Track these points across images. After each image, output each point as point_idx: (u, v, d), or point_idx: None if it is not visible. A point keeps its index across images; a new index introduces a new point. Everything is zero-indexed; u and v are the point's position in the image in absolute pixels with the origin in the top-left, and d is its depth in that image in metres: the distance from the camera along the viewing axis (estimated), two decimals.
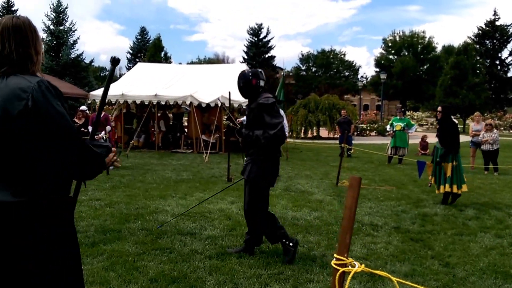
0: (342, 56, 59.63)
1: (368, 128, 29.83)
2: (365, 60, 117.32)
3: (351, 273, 1.61)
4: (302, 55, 58.62)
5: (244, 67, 17.92)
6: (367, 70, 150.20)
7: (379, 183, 9.31)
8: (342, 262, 1.63)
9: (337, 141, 17.22)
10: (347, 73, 59.61)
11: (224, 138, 15.55)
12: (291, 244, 4.28)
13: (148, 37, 54.52)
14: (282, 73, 20.57)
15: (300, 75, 57.09)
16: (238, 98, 14.11)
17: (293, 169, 11.35)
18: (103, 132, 10.27)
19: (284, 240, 4.30)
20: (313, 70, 58.52)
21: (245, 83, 4.34)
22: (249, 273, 3.88)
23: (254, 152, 4.29)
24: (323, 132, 27.63)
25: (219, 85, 15.16)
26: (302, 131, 26.34)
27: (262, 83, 4.36)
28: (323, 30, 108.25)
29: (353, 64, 59.80)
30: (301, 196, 7.62)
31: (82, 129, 10.64)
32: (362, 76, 61.46)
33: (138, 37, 54.98)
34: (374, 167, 12.42)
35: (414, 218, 6.20)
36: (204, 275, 3.79)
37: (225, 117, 16.88)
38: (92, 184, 8.17)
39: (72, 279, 1.93)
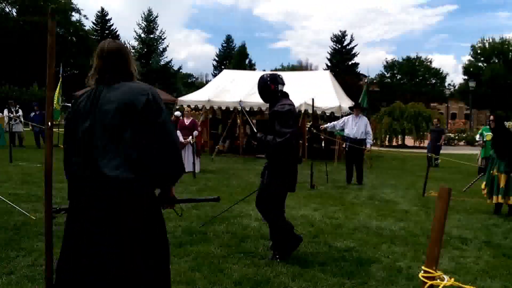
0: (428, 63, 56.93)
1: (456, 137, 28.15)
2: (452, 68, 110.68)
3: (440, 287, 1.56)
4: (387, 62, 56.83)
5: (328, 74, 17.75)
6: (455, 77, 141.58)
7: (468, 195, 8.72)
8: (430, 275, 1.59)
9: (424, 150, 16.47)
10: (433, 81, 56.77)
11: (307, 144, 15.52)
12: (277, 257, 4.31)
13: (234, 45, 56.21)
14: (365, 80, 20.08)
15: (385, 82, 55.41)
16: (321, 104, 14.09)
17: (377, 178, 11.02)
18: (190, 137, 10.74)
19: (277, 256, 4.33)
20: (398, 77, 56.56)
21: (263, 87, 4.37)
22: (331, 281, 3.85)
23: (268, 156, 4.35)
24: (409, 141, 26.50)
25: (302, 92, 15.19)
26: (387, 139, 25.49)
27: (280, 87, 4.35)
28: (409, 37, 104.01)
29: (440, 72, 56.80)
30: (386, 206, 7.38)
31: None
32: (449, 84, 58.08)
33: (223, 45, 56.91)
34: (462, 177, 11.65)
35: (506, 232, 5.78)
36: (287, 280, 3.82)
37: (308, 123, 16.85)
38: (180, 186, 8.59)
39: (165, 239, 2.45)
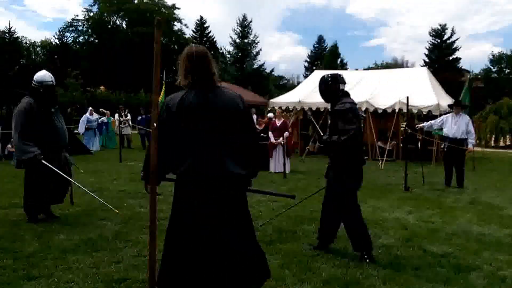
0: None
1: None
2: None
3: None
4: (493, 56, 52.12)
5: (425, 70, 16.83)
6: None
7: None
8: None
9: None
10: None
11: (401, 145, 14.89)
12: (368, 260, 4.20)
13: (325, 45, 55.63)
14: (468, 76, 18.68)
15: (491, 77, 50.89)
16: (418, 103, 13.41)
17: (481, 180, 10.21)
18: (281, 138, 10.88)
19: (365, 253, 4.24)
20: (506, 71, 51.57)
21: (325, 87, 4.39)
22: (426, 286, 3.68)
23: (333, 156, 4.36)
24: None
25: (397, 90, 14.62)
26: (492, 139, 23.45)
27: (342, 86, 4.36)
28: None
29: None
30: (490, 211, 6.83)
31: (262, 134, 11.47)
32: None
33: (315, 45, 56.57)
34: None
35: None
36: (378, 283, 3.72)
37: (404, 123, 16.14)
38: (271, 186, 8.75)
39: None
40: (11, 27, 50.55)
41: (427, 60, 48.30)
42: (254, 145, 2.71)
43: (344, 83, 4.41)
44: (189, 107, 2.58)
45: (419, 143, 15.07)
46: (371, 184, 9.40)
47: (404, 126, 15.20)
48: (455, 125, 8.93)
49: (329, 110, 4.32)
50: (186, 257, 2.61)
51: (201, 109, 2.57)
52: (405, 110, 13.80)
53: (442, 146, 10.20)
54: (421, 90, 14.42)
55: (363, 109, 14.83)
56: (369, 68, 51.18)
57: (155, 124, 2.71)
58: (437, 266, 4.19)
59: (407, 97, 9.48)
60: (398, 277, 3.86)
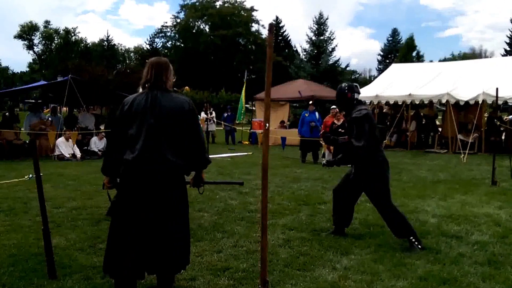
0: None
1: None
2: None
3: None
4: None
5: (511, 60, 15.42)
6: None
7: None
8: None
9: None
10: None
11: (483, 137, 13.83)
12: (419, 246, 4.19)
13: (399, 37, 53.23)
14: None
15: None
16: (503, 94, 12.34)
17: None
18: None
19: (412, 238, 4.24)
20: None
21: (341, 96, 4.55)
22: None
23: (357, 161, 4.46)
24: None
25: (479, 82, 13.60)
26: None
27: (356, 96, 4.50)
28: None
29: None
30: None
31: (340, 129, 11.23)
32: None
33: (389, 39, 54.34)
34: None
35: None
36: (477, 281, 3.47)
37: (486, 115, 14.98)
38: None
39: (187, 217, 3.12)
40: (109, 36, 54.45)
41: (508, 49, 44.29)
42: (196, 141, 3.00)
43: (359, 92, 4.59)
44: (139, 107, 2.91)
45: (503, 135, 13.90)
46: (456, 178, 8.85)
47: (487, 117, 14.11)
48: None
49: (351, 117, 4.45)
50: (126, 239, 2.87)
51: (149, 109, 2.89)
52: (489, 102, 12.86)
53: None
54: (507, 80, 13.25)
55: (444, 101, 14.00)
56: (445, 59, 48.11)
57: (267, 125, 2.81)
58: None
59: (497, 88, 8.76)
60: (497, 275, 3.58)
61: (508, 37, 44.77)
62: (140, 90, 3.06)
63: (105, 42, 53.29)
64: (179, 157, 2.93)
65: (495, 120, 9.20)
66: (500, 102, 12.73)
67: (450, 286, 3.39)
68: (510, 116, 9.27)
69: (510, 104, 13.17)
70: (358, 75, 53.37)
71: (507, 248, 4.31)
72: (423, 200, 6.64)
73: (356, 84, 4.70)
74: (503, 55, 35.20)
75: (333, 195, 4.79)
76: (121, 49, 58.30)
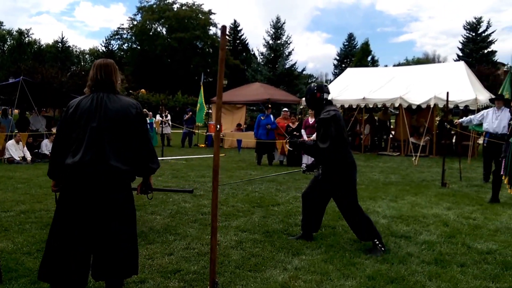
0: None
1: None
2: None
3: None
4: None
5: (462, 65, 16.19)
6: None
7: None
8: None
9: None
10: None
11: (435, 140, 14.43)
12: (382, 249, 4.22)
13: (355, 42, 54.76)
14: (505, 69, 17.87)
15: None
16: (454, 98, 12.91)
17: None
18: (315, 135, 10.72)
19: (376, 241, 4.25)
20: None
21: (310, 96, 4.50)
22: (473, 283, 3.50)
23: (321, 163, 4.46)
24: None
25: (430, 86, 14.18)
26: None
27: (326, 96, 4.47)
28: None
29: None
30: None
31: (295, 132, 11.37)
32: None
33: (345, 43, 55.78)
34: None
35: None
36: (423, 279, 3.57)
37: (438, 118, 15.65)
38: (305, 182, 8.64)
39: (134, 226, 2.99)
40: (63, 37, 52.60)
41: (460, 54, 46.57)
42: (143, 147, 2.93)
43: (328, 92, 4.55)
44: (84, 109, 2.82)
45: (453, 139, 14.57)
46: (407, 180, 9.14)
47: (439, 121, 14.74)
48: (496, 120, 8.47)
49: (319, 118, 4.40)
50: (67, 244, 2.77)
51: (94, 111, 2.81)
52: (440, 106, 13.42)
53: (481, 141, 9.77)
54: (458, 85, 13.91)
55: (397, 105, 14.48)
56: (399, 64, 49.98)
57: (218, 126, 2.75)
58: (483, 263, 3.99)
59: (447, 93, 9.14)
60: (444, 274, 3.69)
61: (461, 42, 47.07)
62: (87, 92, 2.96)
63: (60, 44, 51.47)
64: (124, 163, 2.83)
65: (446, 124, 9.57)
66: (451, 106, 13.36)
67: (397, 285, 3.46)
68: (460, 120, 9.65)
69: (461, 108, 13.79)
70: (314, 79, 54.44)
71: (453, 248, 4.46)
72: (375, 201, 6.80)
73: (325, 84, 4.62)
74: (455, 60, 36.91)
75: (302, 199, 4.71)
76: (76, 51, 56.53)
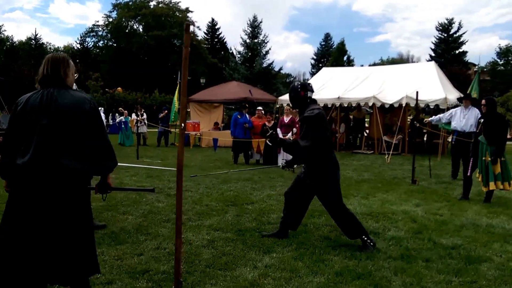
0: None
1: None
2: None
3: None
4: (500, 48, 51.16)
5: (433, 65, 16.58)
6: None
7: None
8: None
9: None
10: None
11: (407, 139, 14.73)
12: (371, 244, 4.28)
13: (332, 42, 55.25)
14: (475, 69, 18.39)
15: (497, 70, 49.92)
16: (425, 97, 13.23)
17: None
18: (290, 133, 10.81)
19: (364, 237, 4.31)
20: None
21: (294, 94, 4.48)
22: (437, 278, 3.60)
23: (308, 161, 4.43)
24: None
25: (404, 85, 14.45)
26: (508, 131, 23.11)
27: (310, 94, 4.45)
28: None
29: None
30: (498, 203, 6.71)
31: (271, 131, 11.42)
32: None
33: (322, 43, 56.22)
34: None
35: None
36: (389, 274, 3.66)
37: (411, 117, 15.97)
38: (279, 180, 8.71)
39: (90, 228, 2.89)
40: (36, 34, 51.32)
41: (433, 55, 47.62)
42: (99, 144, 2.78)
43: (312, 91, 4.52)
44: (33, 105, 2.70)
45: (425, 137, 14.90)
46: (379, 178, 9.31)
47: (411, 120, 15.04)
48: (464, 119, 8.72)
49: (304, 116, 4.39)
50: (17, 245, 2.66)
51: (44, 108, 2.68)
52: (412, 105, 13.68)
53: (449, 140, 10.03)
54: (428, 85, 14.25)
55: (370, 104, 14.71)
56: (374, 64, 50.71)
57: (182, 125, 2.73)
58: (447, 257, 4.11)
59: (417, 92, 9.34)
60: (409, 269, 3.79)
61: (433, 43, 48.13)
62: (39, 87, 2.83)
63: (33, 41, 50.18)
64: (78, 161, 2.70)
65: (415, 122, 9.78)
66: (422, 105, 13.66)
67: (364, 280, 3.53)
68: (430, 118, 9.87)
69: (431, 107, 14.10)
70: (293, 78, 54.72)
71: (420, 243, 4.59)
72: (347, 199, 6.88)
73: (309, 82, 4.57)
74: (428, 60, 37.68)
75: (285, 198, 4.72)
76: (51, 48, 55.12)
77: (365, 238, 4.32)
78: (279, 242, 4.52)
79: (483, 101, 6.68)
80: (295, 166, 4.80)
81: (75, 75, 2.93)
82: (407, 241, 4.62)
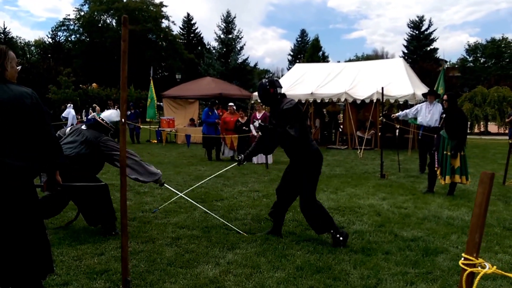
0: None
1: None
2: None
3: (480, 274, 1.47)
4: (469, 45, 52.42)
5: (401, 61, 16.89)
6: None
7: None
8: (470, 262, 1.48)
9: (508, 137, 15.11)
10: None
11: (379, 134, 14.97)
12: (341, 238, 4.28)
13: (308, 38, 55.53)
14: (442, 66, 18.82)
15: (467, 66, 51.20)
16: (394, 93, 13.48)
17: None
18: None
19: (332, 231, 4.32)
20: (481, 61, 51.86)
21: (263, 92, 4.47)
22: (394, 270, 3.70)
23: (293, 152, 4.46)
24: (492, 127, 24.45)
25: (375, 81, 14.66)
26: (468, 126, 23.74)
27: (279, 90, 4.46)
28: (494, 18, 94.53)
29: None
30: (461, 195, 6.91)
31: (244, 127, 11.44)
32: None
33: (298, 39, 56.46)
34: None
35: None
36: (349, 268, 3.74)
37: (381, 113, 16.22)
38: (252, 177, 8.73)
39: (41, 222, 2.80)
40: (5, 28, 49.80)
41: (405, 51, 48.48)
42: (44, 140, 2.67)
43: (281, 87, 4.53)
44: None
45: (397, 132, 15.17)
46: (350, 173, 9.44)
47: (382, 115, 15.28)
48: (429, 114, 8.95)
49: (279, 109, 4.36)
50: None
51: None
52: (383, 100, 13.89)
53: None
54: (398, 80, 14.51)
55: (342, 100, 14.88)
56: (350, 60, 51.21)
57: (123, 120, 2.68)
58: (406, 250, 4.22)
59: (382, 88, 9.50)
60: (368, 262, 3.88)
61: (406, 40, 48.96)
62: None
63: (1, 35, 48.70)
64: (21, 159, 2.59)
65: (381, 118, 9.94)
66: (392, 100, 13.90)
67: (324, 274, 3.59)
68: (397, 114, 10.06)
69: (401, 102, 14.36)
70: (271, 74, 54.91)
71: (381, 236, 4.69)
72: (317, 193, 6.91)
73: (276, 78, 4.52)
74: (401, 57, 38.32)
75: (277, 194, 4.70)
76: (21, 42, 53.61)
77: (334, 233, 4.32)
78: (244, 238, 4.55)
79: (445, 97, 6.86)
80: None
81: (18, 67, 2.77)
82: (370, 235, 4.71)
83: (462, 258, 1.53)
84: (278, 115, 4.36)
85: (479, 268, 1.48)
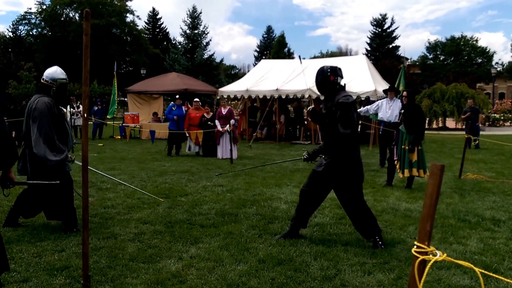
0: (474, 42, 53.47)
1: (502, 118, 26.31)
2: (501, 46, 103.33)
3: (431, 262, 1.53)
4: (429, 43, 54.18)
5: (363, 58, 17.26)
6: (504, 56, 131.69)
7: (508, 177, 8.27)
8: (422, 250, 1.54)
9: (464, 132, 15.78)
10: (479, 60, 53.31)
11: None
12: (383, 246, 4.13)
13: (274, 35, 55.80)
14: (403, 63, 19.36)
15: (427, 64, 52.93)
16: (357, 89, 13.73)
17: None
18: (228, 125, 10.83)
19: (377, 239, 4.17)
20: (441, 58, 53.75)
21: (322, 79, 4.15)
22: (353, 260, 3.80)
23: (334, 150, 4.15)
24: (450, 123, 25.38)
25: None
26: (427, 122, 24.54)
27: (339, 80, 4.14)
28: (454, 16, 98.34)
29: (487, 50, 53.28)
30: (419, 188, 7.15)
31: (209, 122, 11.39)
32: (496, 63, 54.30)
33: (264, 35, 56.66)
34: (504, 159, 11.05)
35: None
36: (309, 259, 3.80)
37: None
38: (217, 172, 8.71)
39: None
40: None
41: (368, 49, 49.57)
42: None
43: (342, 77, 4.19)
44: None
45: (359, 127, 15.50)
46: (312, 167, 9.56)
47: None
48: (389, 110, 9.20)
49: (321, 100, 4.11)
50: None
51: None
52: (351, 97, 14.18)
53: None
54: (360, 77, 14.80)
55: (306, 96, 15.06)
56: (315, 57, 51.85)
57: (85, 115, 2.63)
58: (365, 241, 4.33)
59: (344, 84, 9.67)
60: (328, 253, 3.96)
61: (369, 37, 50.07)
62: None
63: None
64: None
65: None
66: (354, 96, 14.16)
67: (285, 266, 3.65)
68: (359, 109, 10.29)
69: (362, 99, 14.66)
70: (237, 70, 54.81)
71: (342, 228, 4.80)
72: (280, 188, 7.06)
73: (339, 67, 4.22)
74: (364, 54, 39.17)
75: (300, 196, 4.41)
76: None
77: (378, 240, 4.15)
78: (208, 232, 4.55)
79: (404, 93, 7.06)
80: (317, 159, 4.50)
81: None
82: (330, 227, 4.81)
83: (415, 246, 1.59)
84: (331, 106, 4.07)
85: (431, 256, 1.54)
